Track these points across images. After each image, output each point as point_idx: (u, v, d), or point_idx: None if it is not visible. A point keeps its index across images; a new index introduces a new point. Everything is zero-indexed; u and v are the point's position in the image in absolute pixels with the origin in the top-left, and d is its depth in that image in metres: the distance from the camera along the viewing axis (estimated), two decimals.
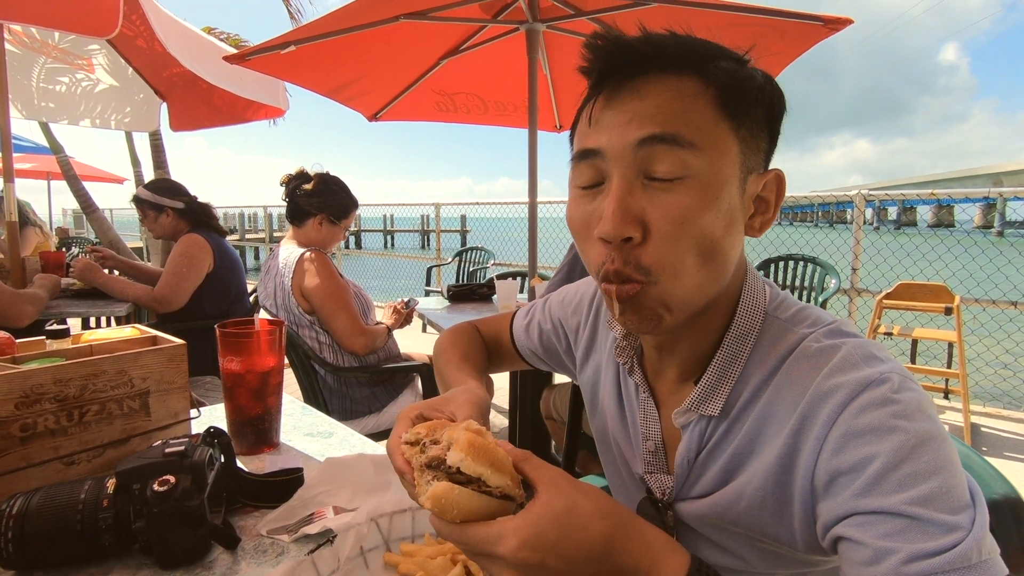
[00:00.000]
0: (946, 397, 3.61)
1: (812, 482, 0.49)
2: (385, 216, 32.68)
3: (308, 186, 1.97)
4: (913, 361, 3.71)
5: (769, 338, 0.56)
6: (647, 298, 0.52)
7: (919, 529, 0.41)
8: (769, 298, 0.59)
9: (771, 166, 0.57)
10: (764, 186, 0.55)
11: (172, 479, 0.59)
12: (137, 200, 2.39)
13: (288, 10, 7.63)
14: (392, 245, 33.36)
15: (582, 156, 0.54)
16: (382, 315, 2.14)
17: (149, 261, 7.25)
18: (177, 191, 2.40)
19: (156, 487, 0.58)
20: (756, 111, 0.53)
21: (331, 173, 2.02)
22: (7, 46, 2.62)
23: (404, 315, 2.14)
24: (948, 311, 3.09)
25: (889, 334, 3.37)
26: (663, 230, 0.50)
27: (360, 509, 0.65)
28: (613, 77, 0.53)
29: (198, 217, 2.40)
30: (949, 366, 3.52)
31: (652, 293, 0.52)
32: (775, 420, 0.53)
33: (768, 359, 0.55)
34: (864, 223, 3.87)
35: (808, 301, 3.58)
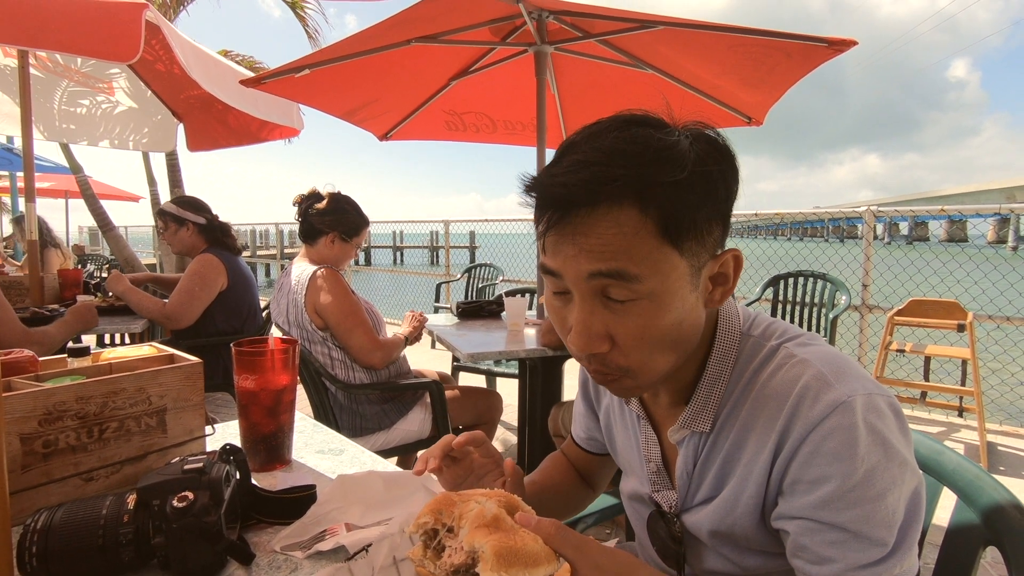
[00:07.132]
0: (960, 415, 3.56)
1: (781, 484, 0.57)
2: (395, 232, 32.82)
3: (320, 205, 2.00)
4: (927, 378, 3.66)
5: (746, 355, 0.62)
6: (624, 384, 0.60)
7: (856, 543, 0.51)
8: (743, 318, 0.65)
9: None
10: (721, 265, 0.58)
11: (191, 495, 0.60)
12: (161, 212, 2.47)
13: (306, 30, 7.85)
14: (401, 261, 33.49)
15: (546, 271, 0.58)
16: (403, 324, 2.16)
17: None
18: (200, 208, 2.48)
19: (175, 503, 0.59)
20: (700, 214, 0.54)
21: (343, 192, 2.06)
22: (31, 71, 2.71)
23: (418, 326, 2.16)
24: (961, 328, 3.06)
25: (901, 351, 3.33)
26: (628, 343, 0.56)
27: (393, 520, 0.67)
28: (552, 209, 0.54)
29: (216, 235, 2.46)
30: (963, 383, 3.48)
31: (628, 382, 0.60)
32: (756, 430, 0.59)
33: (745, 373, 0.61)
34: (875, 238, 3.86)
35: (818, 318, 3.55)
